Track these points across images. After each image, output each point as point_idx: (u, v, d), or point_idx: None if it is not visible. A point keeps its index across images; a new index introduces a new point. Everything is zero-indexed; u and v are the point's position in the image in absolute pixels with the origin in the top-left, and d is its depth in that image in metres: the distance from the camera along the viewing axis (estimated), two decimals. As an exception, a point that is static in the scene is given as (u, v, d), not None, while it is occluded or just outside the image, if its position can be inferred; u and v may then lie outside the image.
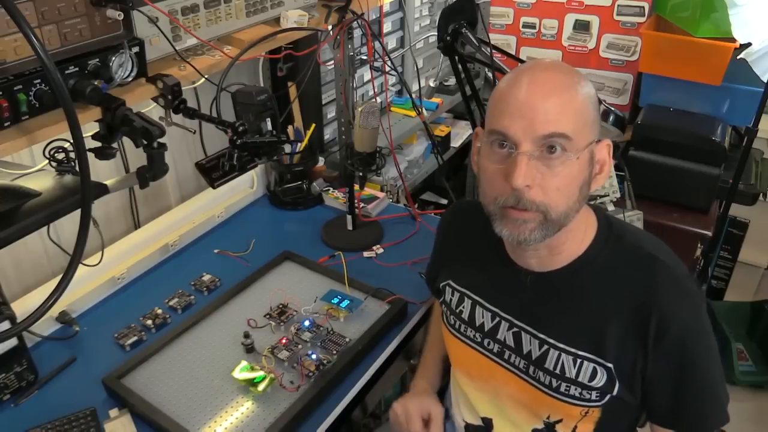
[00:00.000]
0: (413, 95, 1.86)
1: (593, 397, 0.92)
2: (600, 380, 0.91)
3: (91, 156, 0.90)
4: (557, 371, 0.94)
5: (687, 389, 0.90)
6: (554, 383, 0.94)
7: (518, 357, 0.99)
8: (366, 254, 1.55)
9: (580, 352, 0.92)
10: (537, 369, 0.97)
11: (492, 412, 1.07)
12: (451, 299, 1.09)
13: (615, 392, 0.91)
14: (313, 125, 1.79)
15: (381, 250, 1.56)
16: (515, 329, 1.00)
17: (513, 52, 2.49)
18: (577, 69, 0.92)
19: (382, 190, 1.87)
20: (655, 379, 0.90)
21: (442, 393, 1.26)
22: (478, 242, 1.06)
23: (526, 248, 0.94)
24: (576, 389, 0.93)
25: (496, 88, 0.91)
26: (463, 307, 1.07)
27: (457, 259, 1.11)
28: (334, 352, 1.20)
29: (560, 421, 0.98)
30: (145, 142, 0.99)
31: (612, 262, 0.94)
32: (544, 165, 0.84)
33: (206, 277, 1.46)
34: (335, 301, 1.31)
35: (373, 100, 1.96)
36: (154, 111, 1.12)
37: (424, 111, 1.96)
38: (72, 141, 0.81)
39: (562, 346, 0.94)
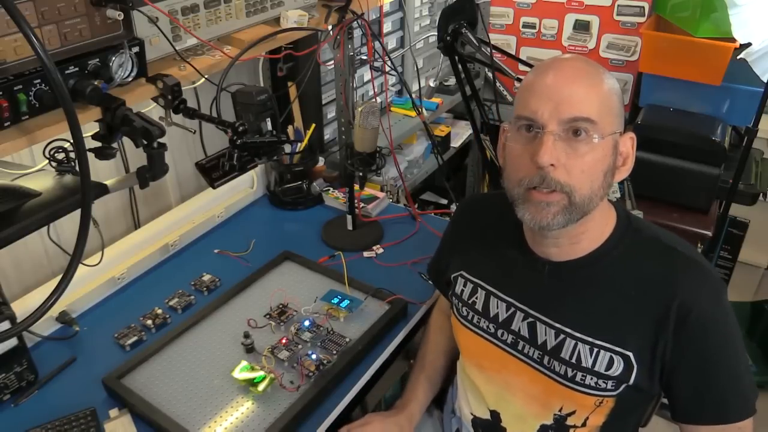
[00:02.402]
0: (413, 95, 1.86)
1: (609, 387, 0.93)
2: (617, 369, 0.92)
3: (91, 156, 0.90)
4: (573, 361, 0.95)
5: (709, 379, 0.91)
6: (569, 373, 0.95)
7: (532, 348, 1.00)
8: (366, 254, 1.55)
9: (598, 341, 0.93)
10: (552, 359, 0.97)
11: (500, 406, 1.07)
12: (462, 290, 1.10)
13: (631, 381, 0.92)
14: (313, 125, 1.79)
15: (381, 250, 1.56)
16: (530, 319, 1.00)
17: (513, 52, 2.49)
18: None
19: (382, 190, 1.87)
20: (678, 367, 0.91)
21: (446, 390, 1.26)
22: (494, 233, 1.08)
23: (546, 235, 0.96)
24: (592, 378, 0.93)
25: (523, 81, 0.94)
26: (476, 298, 1.07)
27: (471, 250, 1.12)
28: (334, 352, 1.20)
29: (572, 413, 0.98)
30: (145, 142, 0.99)
31: (630, 253, 0.96)
32: (570, 147, 0.87)
33: (206, 277, 1.46)
34: (335, 301, 1.31)
35: (373, 100, 1.96)
36: (154, 111, 1.12)
37: (424, 111, 1.96)
38: (72, 141, 0.81)
39: (579, 335, 0.95)
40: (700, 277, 0.92)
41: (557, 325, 0.97)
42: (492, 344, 1.05)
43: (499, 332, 1.04)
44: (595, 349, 0.93)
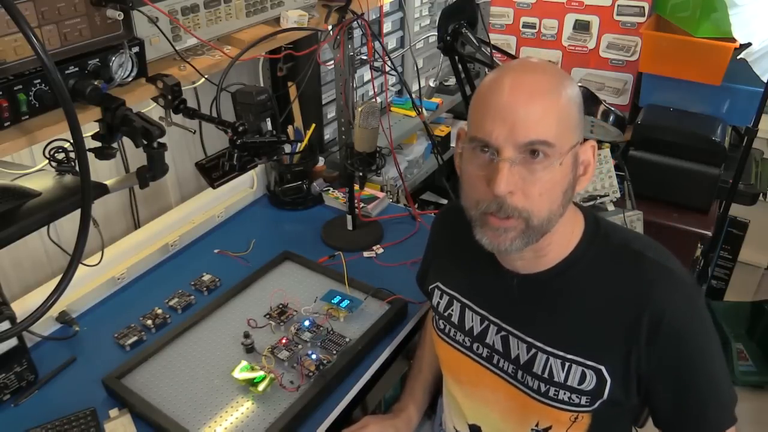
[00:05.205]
0: (413, 95, 1.86)
1: (583, 402, 0.90)
2: (589, 384, 0.89)
3: (91, 156, 0.90)
4: (545, 375, 0.92)
5: (687, 389, 0.88)
6: (542, 388, 0.93)
7: (506, 362, 0.98)
8: (366, 254, 1.55)
9: (569, 356, 0.90)
10: (525, 374, 0.95)
11: (480, 420, 1.06)
12: (439, 303, 1.08)
13: (606, 396, 0.89)
14: (313, 125, 1.79)
15: (381, 250, 1.56)
16: (503, 333, 0.98)
17: (513, 52, 2.49)
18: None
19: (382, 190, 1.87)
20: (654, 378, 0.88)
21: (435, 400, 1.26)
22: (468, 245, 1.03)
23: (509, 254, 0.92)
24: (565, 393, 0.91)
25: (477, 90, 0.88)
26: (452, 311, 1.05)
27: (447, 261, 1.10)
28: (334, 352, 1.20)
29: (549, 428, 0.96)
30: (145, 142, 0.99)
31: (599, 261, 0.92)
32: (527, 170, 0.82)
33: (206, 277, 1.46)
34: (335, 301, 1.31)
35: (373, 100, 1.96)
36: (154, 111, 1.12)
37: (424, 111, 1.96)
38: (72, 141, 0.81)
39: (549, 349, 0.92)
40: (671, 284, 0.87)
41: (528, 339, 0.94)
42: (468, 358, 1.03)
43: (475, 346, 1.02)
44: (567, 364, 0.90)
